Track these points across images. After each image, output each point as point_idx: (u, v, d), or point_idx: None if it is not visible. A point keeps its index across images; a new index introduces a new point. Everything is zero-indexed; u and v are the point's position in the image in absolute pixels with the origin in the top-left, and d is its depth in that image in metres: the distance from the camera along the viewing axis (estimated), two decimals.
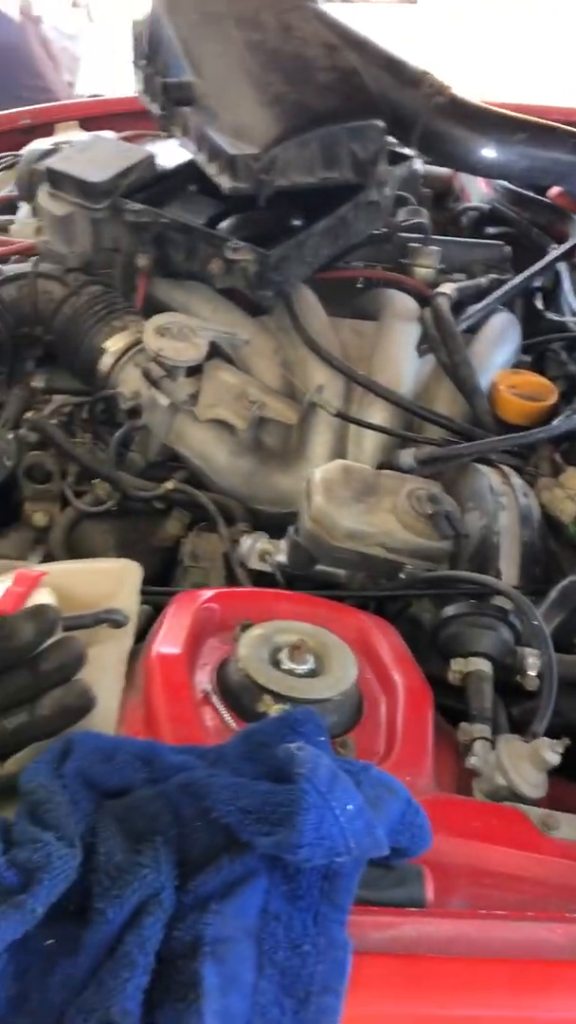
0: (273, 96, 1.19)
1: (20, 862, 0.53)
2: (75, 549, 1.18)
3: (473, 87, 1.32)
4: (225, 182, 1.16)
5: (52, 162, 1.23)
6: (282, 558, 0.99)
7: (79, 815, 0.57)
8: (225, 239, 1.13)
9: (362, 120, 1.20)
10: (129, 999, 0.48)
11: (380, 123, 1.21)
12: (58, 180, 1.22)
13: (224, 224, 1.25)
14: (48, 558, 1.17)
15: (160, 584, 1.05)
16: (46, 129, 1.84)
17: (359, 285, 1.40)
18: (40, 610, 0.68)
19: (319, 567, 0.97)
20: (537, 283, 1.41)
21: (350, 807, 0.54)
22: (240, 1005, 0.50)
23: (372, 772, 0.58)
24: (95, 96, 3.05)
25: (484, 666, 0.80)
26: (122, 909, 0.52)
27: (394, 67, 1.25)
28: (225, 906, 0.53)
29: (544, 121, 1.25)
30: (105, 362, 1.18)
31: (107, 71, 4.53)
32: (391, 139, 1.26)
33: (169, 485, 1.14)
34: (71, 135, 1.74)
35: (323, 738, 0.63)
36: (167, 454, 1.19)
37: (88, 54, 4.70)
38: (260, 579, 1.03)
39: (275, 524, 1.12)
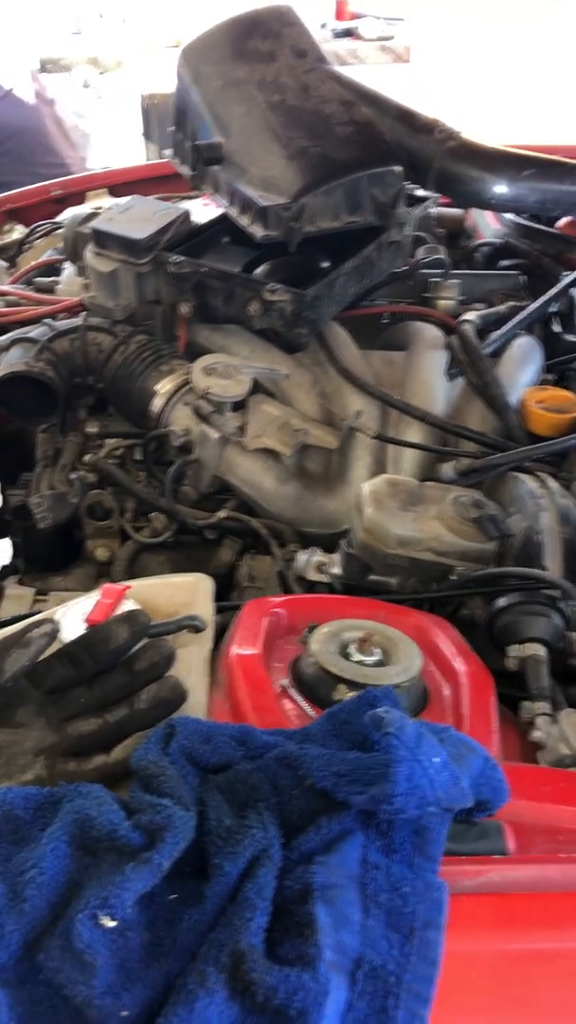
0: (297, 150, 1.29)
1: (143, 824, 0.59)
2: None
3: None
4: (258, 231, 1.25)
5: (96, 223, 1.33)
6: (337, 571, 1.05)
7: (188, 787, 0.63)
8: (263, 283, 1.21)
9: (381, 167, 1.29)
10: (253, 935, 0.54)
11: (398, 168, 1.30)
12: (103, 239, 1.31)
13: (258, 270, 1.34)
14: None
15: None
16: (77, 198, 1.96)
17: (384, 320, 1.49)
18: (132, 615, 0.75)
19: (372, 576, 1.04)
20: (553, 308, 1.48)
21: (436, 760, 0.59)
22: (351, 941, 0.56)
23: (452, 732, 0.64)
24: (107, 168, 3.21)
25: (539, 650, 0.86)
26: (237, 863, 0.58)
27: (407, 117, 1.35)
28: (329, 858, 0.59)
29: (550, 156, 1.34)
30: (156, 404, 1.26)
31: (115, 145, 4.74)
32: (408, 183, 1.35)
33: (222, 513, 1.22)
34: (103, 201, 1.85)
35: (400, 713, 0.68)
36: (217, 486, 1.26)
37: (97, 130, 4.92)
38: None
39: (323, 545, 1.18)
